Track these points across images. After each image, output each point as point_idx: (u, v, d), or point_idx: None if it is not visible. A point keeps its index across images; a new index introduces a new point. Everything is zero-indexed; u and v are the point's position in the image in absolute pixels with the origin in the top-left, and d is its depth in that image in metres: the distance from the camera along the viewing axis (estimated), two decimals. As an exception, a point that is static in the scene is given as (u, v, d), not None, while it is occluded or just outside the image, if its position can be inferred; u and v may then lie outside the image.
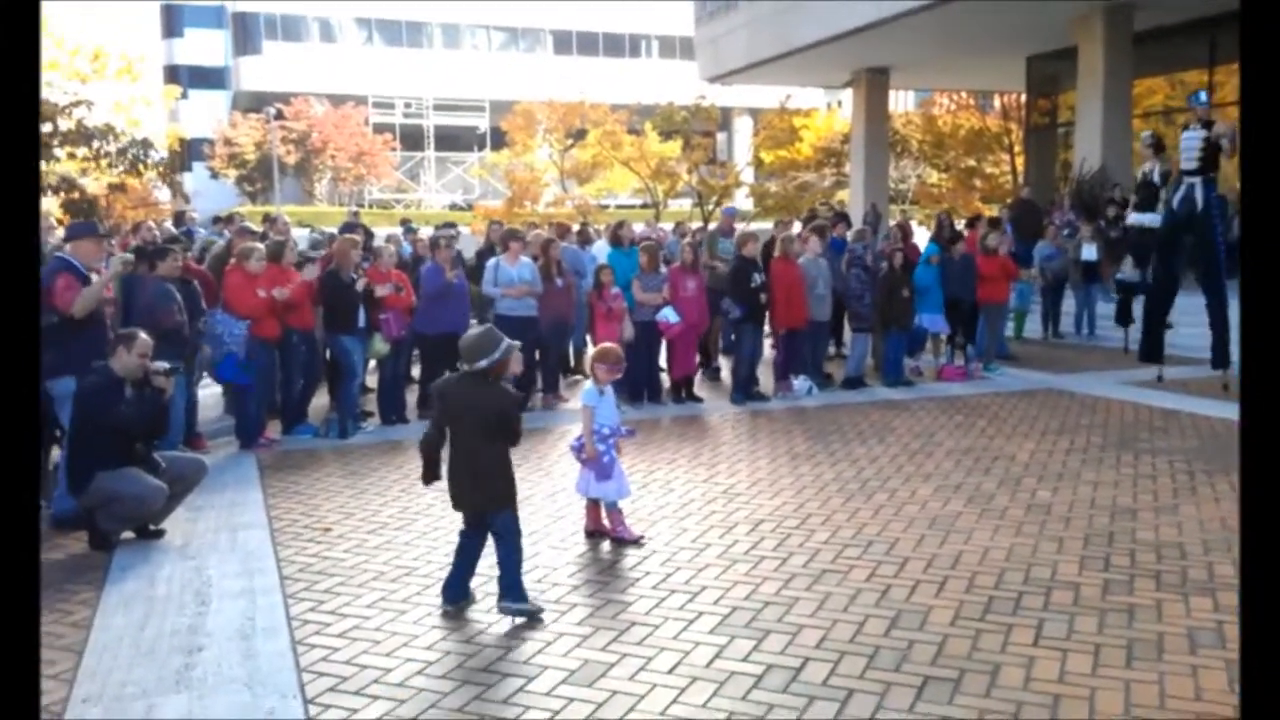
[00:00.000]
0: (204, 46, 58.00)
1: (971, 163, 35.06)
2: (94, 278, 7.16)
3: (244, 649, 4.85)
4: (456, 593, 5.34)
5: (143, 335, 6.55)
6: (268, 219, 13.33)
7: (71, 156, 27.37)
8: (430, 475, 5.37)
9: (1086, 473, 7.79)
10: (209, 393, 10.26)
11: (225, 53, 58.48)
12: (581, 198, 37.20)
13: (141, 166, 28.26)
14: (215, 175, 50.94)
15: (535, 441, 9.06)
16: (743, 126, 56.97)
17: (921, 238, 16.79)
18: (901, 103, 43.26)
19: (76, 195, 27.46)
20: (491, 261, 10.66)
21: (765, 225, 22.48)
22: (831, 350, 13.01)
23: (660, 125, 34.89)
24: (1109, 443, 8.76)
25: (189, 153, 52.29)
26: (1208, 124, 10.49)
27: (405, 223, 19.38)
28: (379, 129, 53.61)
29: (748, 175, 38.75)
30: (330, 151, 50.57)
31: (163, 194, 36.59)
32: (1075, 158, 19.50)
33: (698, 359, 11.76)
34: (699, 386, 11.39)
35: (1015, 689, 4.31)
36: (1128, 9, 18.47)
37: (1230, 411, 9.45)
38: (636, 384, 10.61)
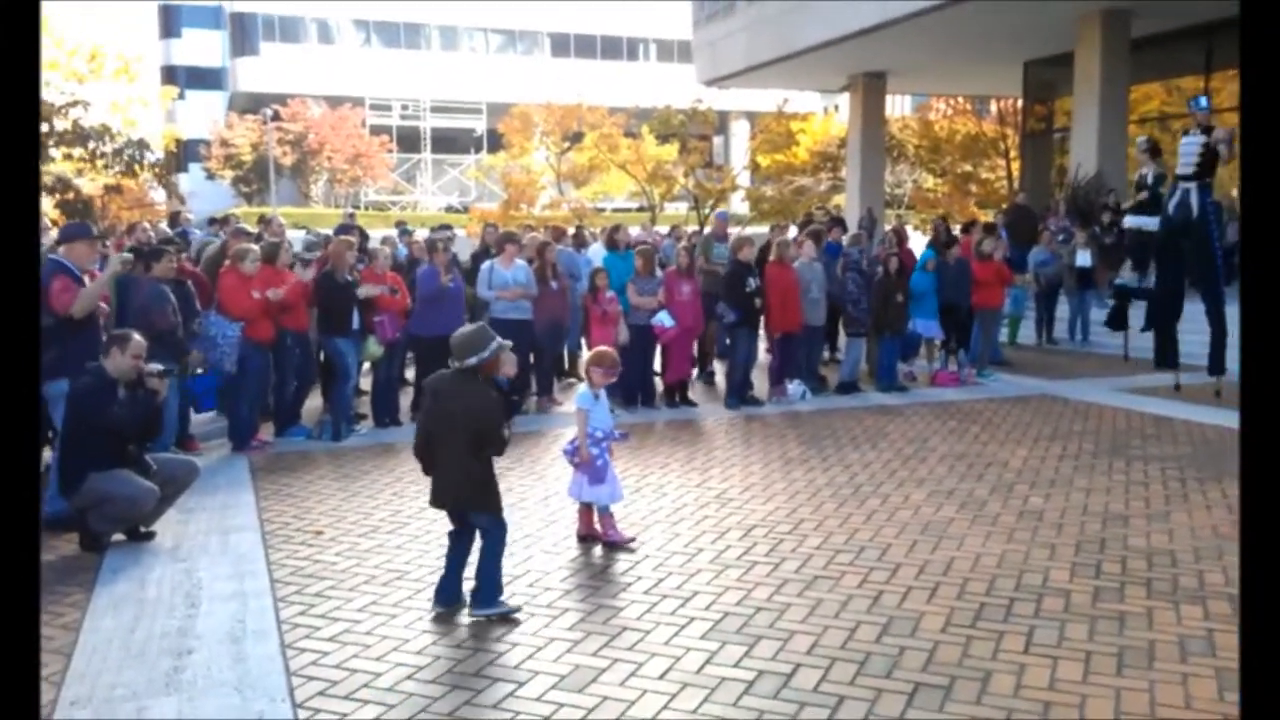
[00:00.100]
0: (201, 47, 57.96)
1: (967, 168, 35.09)
2: (87, 280, 7.15)
3: (234, 652, 4.83)
4: (448, 595, 5.34)
5: (136, 337, 6.54)
6: (263, 220, 13.31)
7: (67, 157, 27.36)
8: (429, 471, 5.43)
9: (1079, 479, 7.80)
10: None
11: (222, 53, 58.45)
12: (578, 200, 37.23)
13: (137, 167, 28.24)
14: (211, 176, 50.91)
15: (529, 445, 9.06)
16: (739, 130, 57.00)
17: (917, 243, 16.80)
18: (898, 107, 43.32)
19: (71, 196, 27.43)
20: (486, 264, 10.65)
21: (761, 229, 22.51)
22: (826, 355, 13.01)
23: (657, 128, 34.91)
24: (1101, 449, 8.76)
25: (185, 153, 52.23)
26: (1207, 130, 10.51)
27: (401, 225, 19.35)
28: (376, 131, 53.60)
29: (744, 179, 38.81)
30: (327, 153, 50.55)
31: (158, 195, 36.52)
32: (1071, 163, 19.52)
33: (694, 363, 11.77)
34: (693, 390, 11.38)
35: (1006, 696, 4.31)
36: (1125, 15, 18.50)
37: (1222, 418, 9.47)
38: (631, 388, 10.61)
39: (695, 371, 12.06)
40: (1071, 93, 20.03)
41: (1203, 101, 10.87)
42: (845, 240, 12.64)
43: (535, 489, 7.64)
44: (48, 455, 7.51)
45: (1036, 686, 4.39)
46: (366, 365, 10.25)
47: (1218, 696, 4.29)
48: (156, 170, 30.09)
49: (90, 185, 29.14)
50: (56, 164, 27.41)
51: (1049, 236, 15.52)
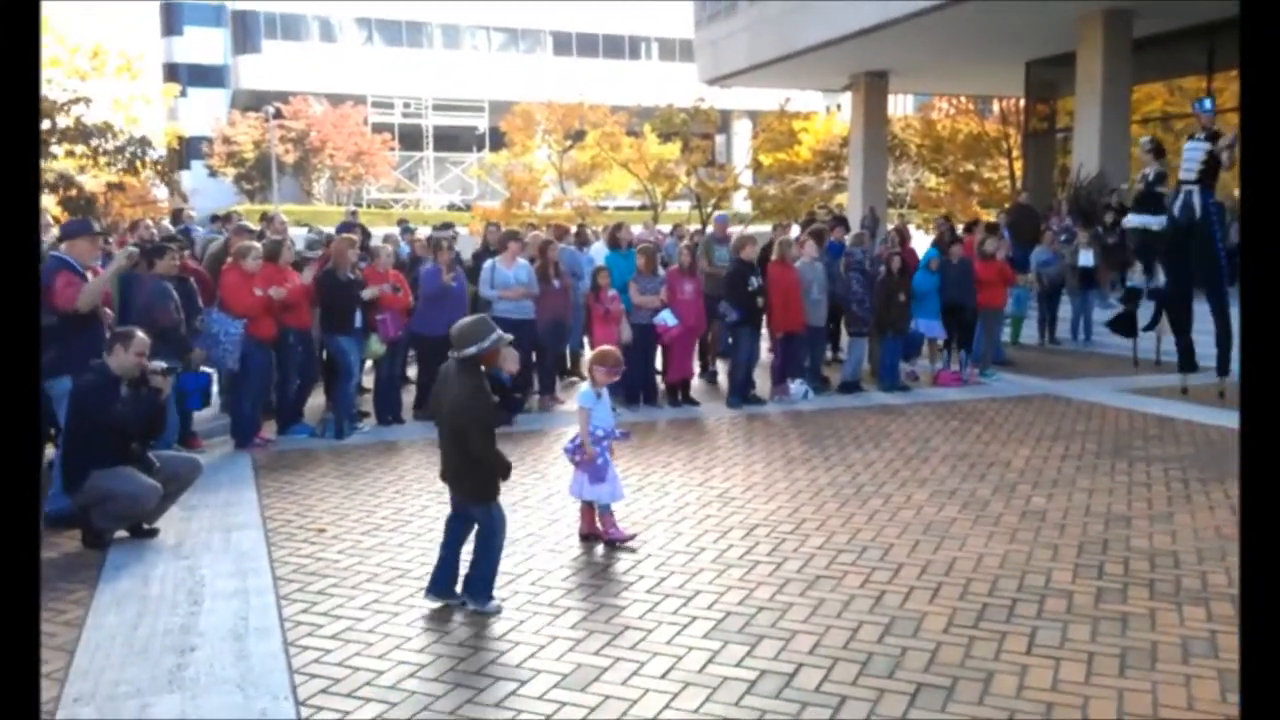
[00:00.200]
0: (203, 45, 57.99)
1: (970, 167, 35.08)
2: (90, 276, 7.15)
3: (237, 649, 4.84)
4: (438, 585, 5.38)
5: (140, 334, 6.54)
6: (265, 218, 13.32)
7: (70, 154, 27.36)
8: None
9: (1081, 480, 7.79)
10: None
11: (224, 51, 58.47)
12: (580, 199, 37.24)
13: (139, 164, 28.24)
14: (213, 174, 50.95)
15: (531, 444, 9.07)
16: (741, 129, 57.00)
17: (919, 242, 16.79)
18: (900, 106, 43.29)
19: (74, 193, 27.44)
20: (488, 263, 10.65)
21: (764, 228, 22.51)
22: (829, 355, 13.01)
23: (659, 127, 34.93)
24: (1104, 450, 8.76)
25: (187, 151, 52.31)
26: (1212, 136, 10.49)
27: (403, 223, 19.37)
28: (378, 129, 53.60)
29: (746, 178, 38.79)
30: (329, 151, 50.56)
31: (161, 192, 36.58)
32: (1073, 163, 19.52)
33: (696, 363, 11.77)
34: (695, 390, 11.38)
35: (1008, 697, 4.31)
36: (1127, 15, 18.49)
37: (1225, 419, 9.47)
38: (633, 386, 10.61)
39: (697, 370, 12.05)
40: (1074, 92, 20.03)
41: (1207, 104, 10.84)
42: (848, 240, 12.63)
43: (538, 487, 7.64)
44: (50, 452, 7.51)
45: (1039, 687, 4.39)
46: (369, 363, 10.25)
47: (1220, 698, 4.29)
48: (159, 167, 30.11)
49: (93, 182, 29.16)
50: (59, 161, 27.43)
51: (1051, 236, 15.52)
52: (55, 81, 29.28)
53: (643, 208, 38.95)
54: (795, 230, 14.72)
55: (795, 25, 22.85)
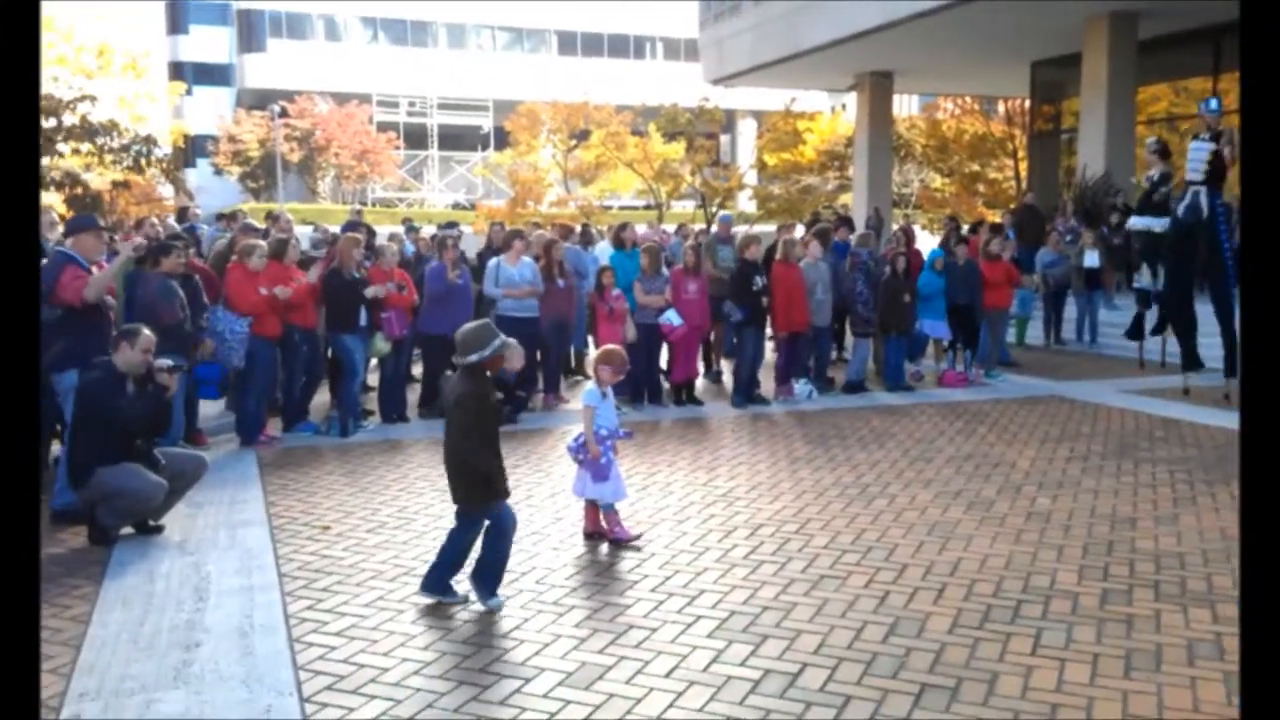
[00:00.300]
0: (209, 43, 58.05)
1: (975, 168, 35.02)
2: (95, 271, 7.17)
3: (242, 646, 4.85)
4: (431, 583, 5.39)
5: (146, 331, 6.55)
6: (271, 216, 13.33)
7: (76, 152, 27.38)
8: None
9: (1086, 481, 7.79)
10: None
11: (230, 50, 58.53)
12: (585, 198, 37.23)
13: (145, 163, 28.26)
14: (219, 172, 51.01)
15: (535, 442, 9.07)
16: (746, 129, 56.99)
17: (925, 243, 16.78)
18: (905, 107, 43.26)
19: (80, 191, 27.47)
20: (493, 262, 10.66)
21: (768, 228, 22.51)
22: (833, 354, 13.01)
23: (664, 127, 34.89)
24: (1109, 451, 8.75)
25: (193, 149, 52.36)
26: (1217, 135, 10.48)
27: (408, 221, 19.39)
28: (383, 127, 53.65)
29: (751, 178, 38.77)
30: (334, 149, 50.62)
31: (166, 190, 36.62)
32: (1079, 164, 19.50)
33: (700, 364, 11.77)
34: (699, 389, 11.38)
35: (1013, 698, 4.30)
36: (1133, 17, 18.48)
37: (1231, 421, 9.45)
38: (637, 386, 10.61)
39: (702, 370, 12.06)
40: (1079, 93, 20.01)
41: (1213, 104, 10.83)
42: (853, 240, 12.63)
43: (542, 486, 7.65)
44: (57, 449, 7.53)
45: (1044, 688, 4.39)
46: (374, 362, 10.26)
47: (1226, 700, 4.28)
48: (164, 166, 30.13)
49: (98, 180, 29.19)
50: (65, 159, 27.45)
51: (1056, 237, 15.50)
52: (61, 80, 29.33)
53: (647, 207, 38.95)
54: (800, 230, 14.73)
55: (800, 25, 22.84)
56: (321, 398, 10.27)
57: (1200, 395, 10.93)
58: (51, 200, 25.90)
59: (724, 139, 54.88)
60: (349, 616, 5.21)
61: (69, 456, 6.54)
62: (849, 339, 12.37)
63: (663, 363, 11.46)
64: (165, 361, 6.61)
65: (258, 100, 53.19)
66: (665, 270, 11.08)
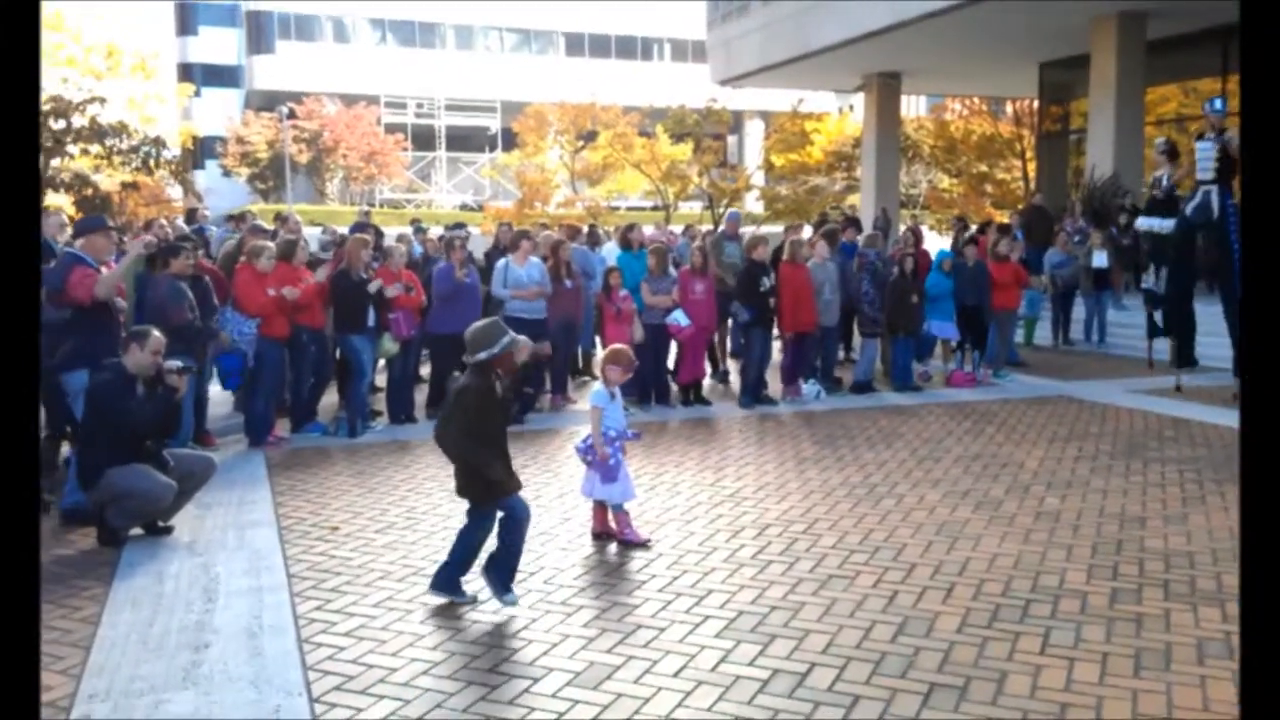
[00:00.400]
0: (218, 45, 58.18)
1: (983, 168, 34.97)
2: (104, 271, 7.19)
3: (251, 646, 4.86)
4: (442, 581, 5.40)
5: (156, 333, 6.57)
6: (279, 217, 13.37)
7: (85, 153, 27.47)
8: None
9: (1095, 480, 7.77)
10: (219, 390, 10.27)
11: (239, 51, 58.65)
12: (592, 199, 37.24)
13: (154, 164, 28.34)
14: (227, 173, 51.12)
15: (543, 443, 9.08)
16: (754, 130, 56.97)
17: (933, 243, 16.76)
18: (913, 107, 43.20)
19: (90, 192, 27.57)
20: (500, 262, 10.67)
21: (776, 229, 22.49)
22: (841, 355, 13.00)
23: (671, 128, 34.91)
24: (1118, 450, 8.73)
25: (201, 150, 52.48)
26: (1222, 133, 10.46)
27: (415, 222, 19.41)
28: (391, 129, 53.71)
29: (758, 178, 38.78)
30: (342, 151, 50.68)
31: (175, 191, 36.71)
32: (1087, 164, 19.46)
33: (707, 365, 11.77)
34: (706, 390, 11.38)
35: (1022, 697, 4.29)
36: (1141, 17, 18.43)
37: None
38: (645, 386, 10.62)
39: (710, 370, 12.06)
40: (1087, 94, 19.96)
41: (1217, 104, 10.82)
42: (861, 240, 12.62)
43: (550, 486, 7.65)
44: (67, 449, 7.55)
45: (1053, 688, 4.38)
46: (381, 362, 10.28)
47: (1235, 699, 4.27)
48: (173, 167, 30.19)
49: (108, 182, 29.29)
50: (74, 160, 27.54)
51: (1065, 238, 15.48)
52: (71, 81, 29.42)
53: (655, 208, 38.94)
54: (808, 231, 14.72)
55: (808, 26, 22.83)
56: (329, 399, 10.29)
57: (1210, 395, 10.90)
58: (61, 201, 26.03)
59: (731, 140, 54.79)
60: (358, 617, 5.22)
61: (79, 458, 6.56)
62: (856, 339, 12.36)
63: (669, 364, 11.46)
64: (175, 363, 6.62)
65: (266, 102, 53.29)
66: (672, 271, 11.09)
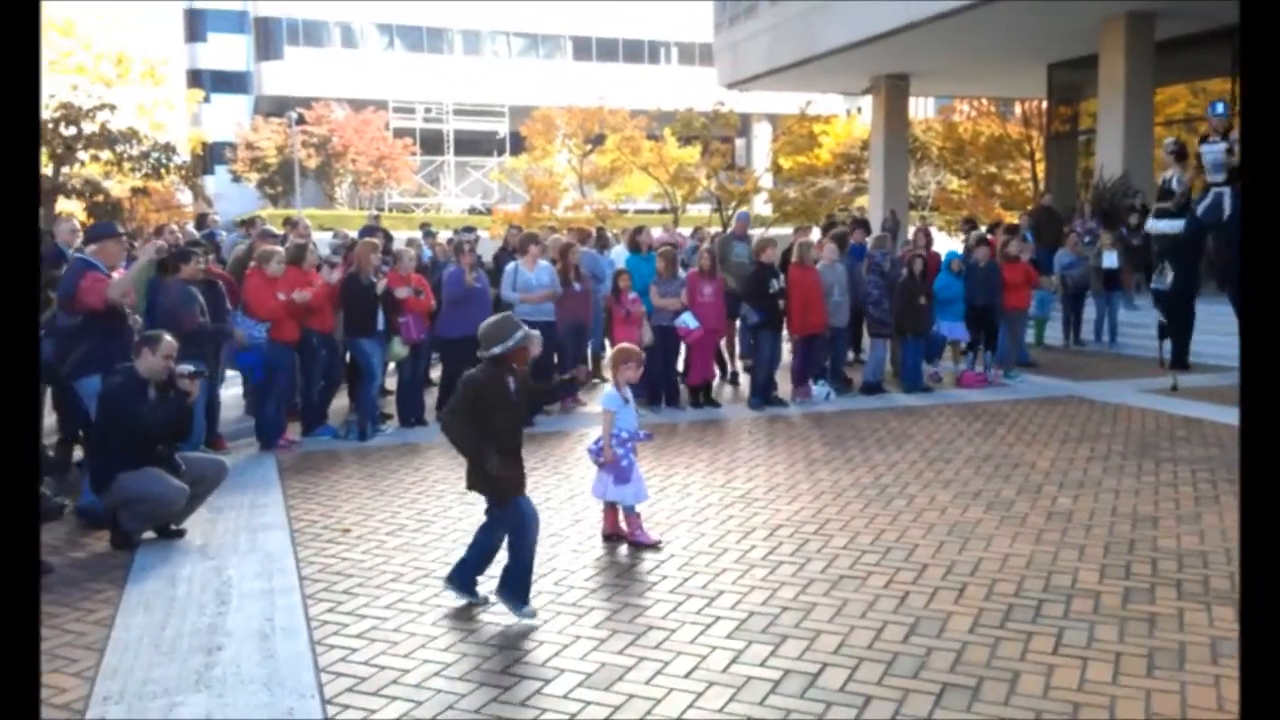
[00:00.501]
0: (226, 51, 58.35)
1: (992, 169, 34.90)
2: (115, 276, 7.22)
3: (263, 649, 4.87)
4: (456, 578, 5.40)
5: (168, 338, 6.59)
6: (289, 222, 13.41)
7: (95, 160, 27.56)
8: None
9: (1107, 480, 7.75)
10: (230, 394, 10.32)
11: (247, 57, 58.83)
12: (600, 202, 37.27)
13: (164, 170, 28.44)
14: (237, 179, 51.30)
15: (553, 445, 9.09)
16: (762, 132, 56.90)
17: (942, 244, 16.73)
18: (921, 109, 43.15)
19: (101, 198, 27.65)
20: (510, 266, 10.69)
21: (784, 231, 22.48)
22: (850, 356, 12.98)
23: (679, 131, 34.92)
24: (1130, 450, 8.71)
25: (211, 156, 52.63)
26: (1227, 135, 10.46)
27: (425, 227, 19.45)
28: (399, 133, 53.83)
29: (766, 181, 38.75)
30: (351, 156, 50.82)
31: (185, 197, 36.81)
32: (1096, 165, 19.41)
33: (715, 367, 11.77)
34: (716, 391, 11.38)
35: (1035, 697, 4.28)
36: (1150, 17, 18.38)
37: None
38: (655, 388, 10.62)
39: (719, 373, 12.05)
40: (1096, 94, 19.91)
41: (1219, 107, 10.83)
42: (869, 242, 12.61)
43: (561, 488, 7.66)
44: (80, 453, 7.59)
45: (1066, 687, 4.36)
46: (391, 366, 10.30)
47: (1249, 698, 4.25)
48: (183, 173, 30.29)
49: (118, 188, 29.36)
50: (85, 167, 27.64)
51: (1074, 238, 15.43)
52: (81, 88, 29.49)
53: (663, 211, 38.99)
54: (816, 233, 14.71)
55: (816, 28, 22.82)
56: (340, 402, 10.31)
57: (1221, 395, 10.85)
58: (72, 208, 26.09)
59: (739, 142, 54.77)
60: (370, 619, 5.23)
61: (92, 462, 6.59)
62: (865, 340, 12.35)
63: (679, 366, 11.45)
64: (187, 367, 6.64)
65: (275, 107, 53.49)
66: (681, 273, 11.09)
